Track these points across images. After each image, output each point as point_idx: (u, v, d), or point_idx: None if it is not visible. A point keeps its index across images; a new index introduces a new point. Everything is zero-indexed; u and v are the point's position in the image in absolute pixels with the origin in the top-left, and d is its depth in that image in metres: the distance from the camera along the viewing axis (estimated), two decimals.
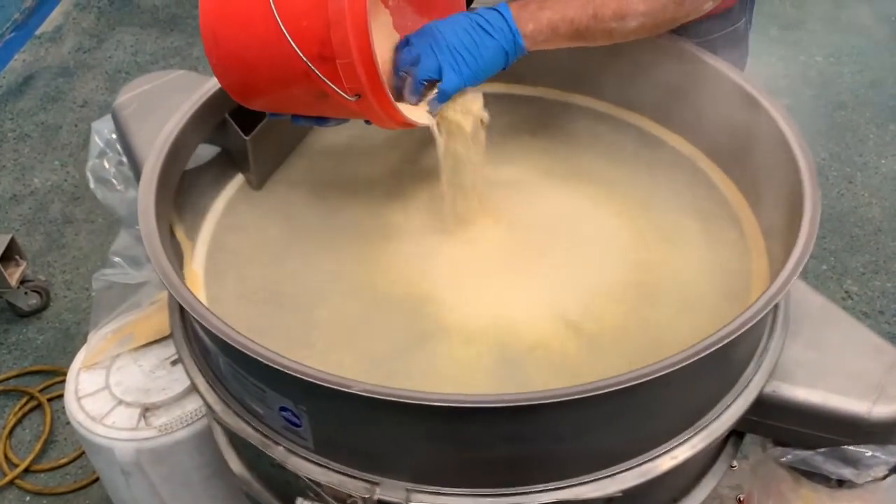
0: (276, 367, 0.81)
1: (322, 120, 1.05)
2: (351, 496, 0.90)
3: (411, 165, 1.26)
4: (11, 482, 1.94)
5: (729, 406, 0.94)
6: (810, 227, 0.93)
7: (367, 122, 1.01)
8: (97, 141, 1.47)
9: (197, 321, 0.90)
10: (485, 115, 1.07)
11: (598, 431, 0.86)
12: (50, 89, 3.10)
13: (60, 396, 2.04)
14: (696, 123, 1.22)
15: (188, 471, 1.40)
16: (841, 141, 2.76)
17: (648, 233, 1.15)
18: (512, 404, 0.79)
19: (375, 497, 0.88)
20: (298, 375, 0.80)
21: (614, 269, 1.10)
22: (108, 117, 1.41)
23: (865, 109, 2.88)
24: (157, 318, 1.43)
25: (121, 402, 1.37)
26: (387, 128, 1.00)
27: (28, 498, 1.94)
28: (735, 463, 1.10)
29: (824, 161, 2.67)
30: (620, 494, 0.89)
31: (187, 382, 1.34)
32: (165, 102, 1.28)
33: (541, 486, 0.88)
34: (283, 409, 0.89)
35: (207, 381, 1.01)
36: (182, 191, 1.17)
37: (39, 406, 2.08)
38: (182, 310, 1.06)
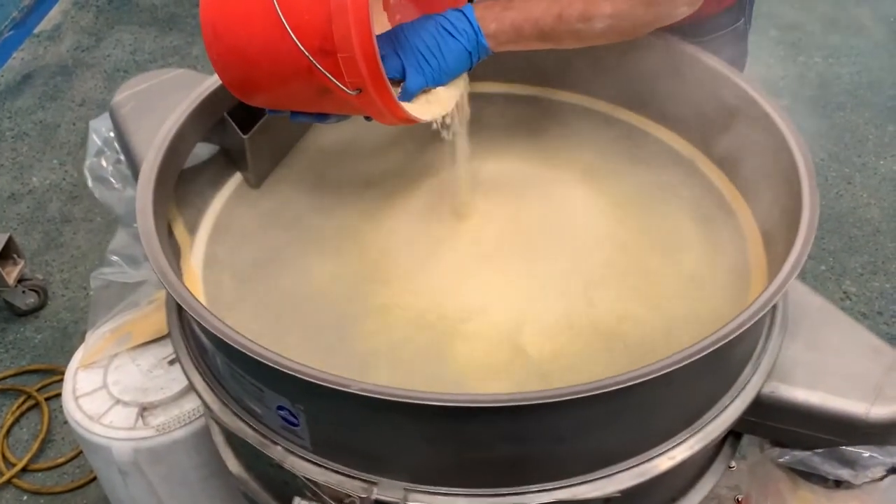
0: (274, 366, 0.81)
1: (322, 116, 1.05)
2: (349, 496, 0.90)
3: (410, 165, 1.26)
4: (9, 481, 1.94)
5: (727, 407, 0.94)
6: (808, 228, 0.93)
7: (368, 118, 1.01)
8: (95, 139, 1.47)
9: (195, 320, 0.89)
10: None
11: (596, 431, 0.86)
12: (48, 88, 3.10)
13: (58, 395, 2.03)
14: (694, 123, 1.22)
15: (186, 470, 1.40)
16: (840, 141, 2.76)
17: (647, 232, 1.15)
18: (510, 404, 0.79)
19: (373, 497, 0.88)
20: (296, 374, 0.80)
21: (612, 269, 1.10)
22: (106, 115, 1.41)
23: (864, 110, 2.88)
24: (154, 318, 1.43)
25: (118, 401, 1.37)
26: (387, 123, 1.00)
27: (25, 497, 1.94)
28: (733, 463, 1.10)
29: (823, 162, 2.67)
30: (619, 495, 0.89)
31: (185, 382, 1.34)
32: (163, 101, 1.28)
33: (539, 486, 0.88)
34: (280, 408, 0.89)
35: (205, 381, 1.01)
36: (180, 189, 1.17)
37: (37, 405, 2.08)
38: (180, 309, 1.06)
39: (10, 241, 2.19)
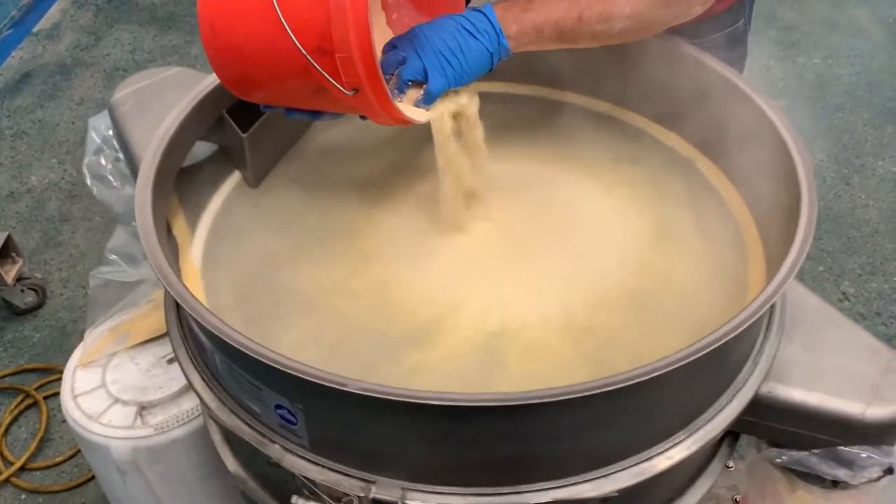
0: (272, 364, 0.81)
1: (317, 114, 1.05)
2: (346, 494, 0.90)
3: (409, 164, 1.26)
4: (7, 480, 1.94)
5: (724, 407, 0.95)
6: (807, 229, 0.93)
7: (363, 117, 1.02)
8: (94, 137, 1.47)
9: (193, 318, 0.89)
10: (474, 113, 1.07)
11: (594, 431, 0.86)
12: (47, 87, 3.10)
13: (56, 394, 2.03)
14: (693, 124, 1.23)
15: (184, 469, 1.40)
16: (838, 142, 2.76)
17: (646, 233, 1.15)
18: (508, 403, 0.79)
19: (371, 495, 0.88)
20: (294, 373, 0.80)
21: (611, 270, 1.10)
22: (106, 114, 1.41)
23: (863, 111, 2.89)
24: (153, 317, 1.43)
25: (117, 400, 1.37)
26: (382, 123, 1.00)
27: (24, 496, 1.94)
28: (731, 463, 1.10)
29: (822, 162, 2.67)
30: (616, 494, 0.89)
31: (183, 381, 1.34)
32: (162, 99, 1.28)
33: (536, 486, 0.88)
34: (278, 406, 0.89)
35: (203, 379, 1.01)
36: (179, 188, 1.17)
37: (35, 404, 2.08)
38: (178, 307, 1.06)
39: (8, 240, 2.19)
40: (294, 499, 0.94)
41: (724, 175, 1.20)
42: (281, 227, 1.18)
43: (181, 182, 1.17)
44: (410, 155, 1.27)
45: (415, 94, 1.01)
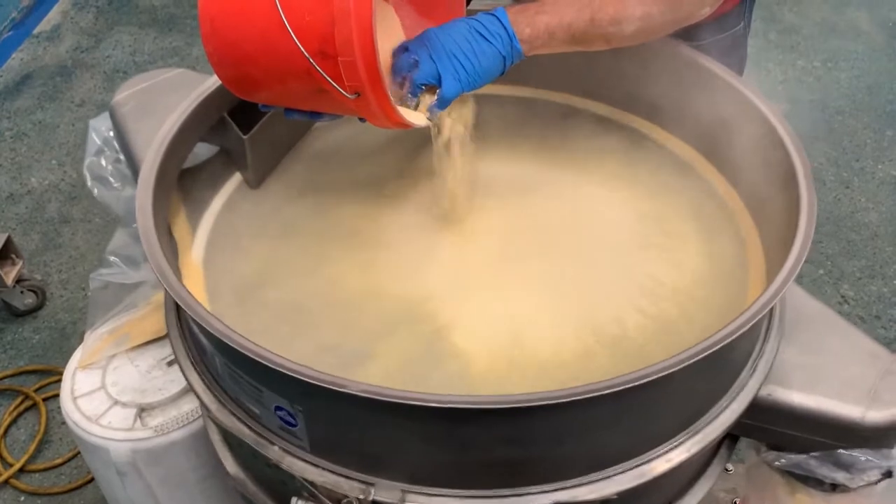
0: (273, 366, 0.81)
1: (316, 115, 1.05)
2: (346, 496, 0.90)
3: (408, 166, 1.26)
4: (6, 482, 1.94)
5: (724, 409, 0.95)
6: (806, 232, 0.93)
7: (362, 119, 1.02)
8: (94, 139, 1.47)
9: (193, 320, 0.90)
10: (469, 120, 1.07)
11: (593, 434, 0.86)
12: (48, 88, 3.10)
13: (56, 396, 2.04)
14: (693, 127, 1.23)
15: (184, 471, 1.40)
16: (838, 146, 2.77)
17: (646, 236, 1.15)
18: (507, 406, 0.79)
19: (370, 497, 0.88)
20: (295, 375, 0.80)
21: (611, 273, 1.10)
22: (106, 115, 1.41)
23: (863, 114, 2.89)
24: (153, 319, 1.43)
25: (117, 402, 1.37)
26: (382, 126, 1.00)
27: (23, 498, 1.94)
28: (731, 466, 1.10)
29: (821, 166, 2.68)
30: (615, 497, 0.89)
31: (183, 383, 1.34)
32: (163, 100, 1.28)
33: (536, 488, 0.88)
34: (278, 408, 0.89)
35: (203, 381, 1.01)
36: (179, 189, 1.17)
37: (35, 406, 2.07)
38: (178, 308, 1.06)
39: (8, 242, 2.19)
40: (294, 500, 0.94)
41: (724, 178, 1.21)
42: (281, 228, 1.18)
43: (182, 183, 1.17)
44: (411, 156, 1.27)
45: (429, 99, 1.00)
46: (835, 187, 2.63)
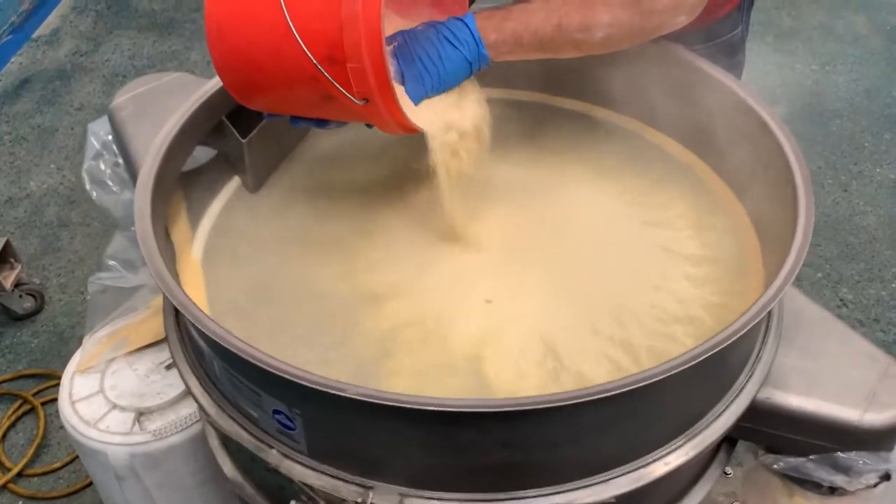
0: (271, 370, 0.81)
1: (322, 122, 1.05)
2: (344, 500, 0.90)
3: (408, 170, 1.26)
4: (4, 486, 1.94)
5: (722, 413, 0.95)
6: (804, 235, 0.94)
7: (369, 125, 1.01)
8: (93, 142, 1.47)
9: (192, 324, 0.90)
10: (485, 124, 1.08)
11: (591, 437, 0.86)
12: (46, 92, 3.10)
13: (54, 400, 2.03)
14: (692, 130, 1.23)
15: (182, 476, 1.40)
16: (836, 149, 2.77)
17: (645, 239, 1.15)
18: (505, 409, 0.80)
19: (369, 501, 0.88)
20: (293, 379, 0.80)
21: (611, 277, 1.10)
22: (105, 119, 1.41)
23: (861, 118, 2.90)
24: (151, 322, 1.43)
25: (115, 406, 1.37)
26: (390, 132, 1.00)
27: (21, 502, 1.93)
28: (729, 470, 1.10)
29: (820, 169, 2.68)
30: (613, 500, 0.89)
31: (181, 387, 1.34)
32: (162, 104, 1.28)
33: (534, 492, 0.88)
34: (277, 412, 0.89)
35: (201, 384, 1.01)
36: (178, 193, 1.17)
37: (33, 410, 2.07)
38: (177, 312, 1.06)
39: (7, 245, 2.19)
40: None
41: (722, 181, 1.21)
42: (280, 232, 1.18)
43: (180, 187, 1.17)
44: (410, 161, 1.27)
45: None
46: (833, 190, 2.63)
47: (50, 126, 2.95)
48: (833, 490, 1.01)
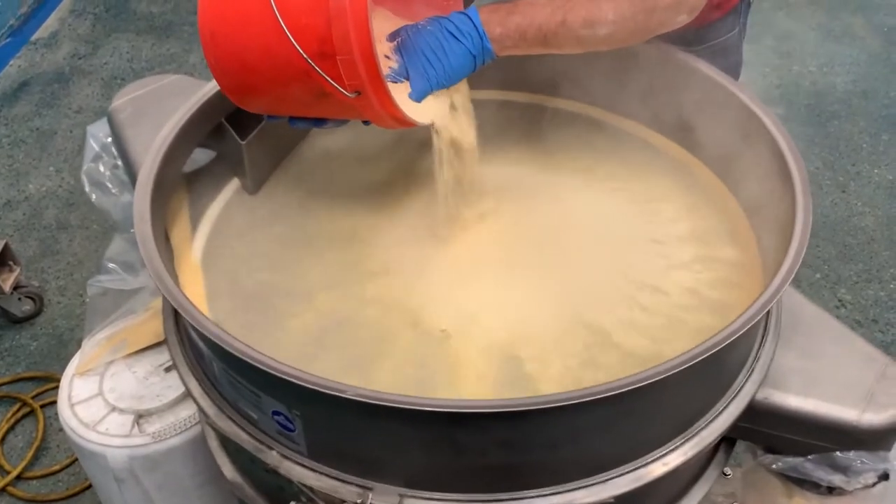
0: (271, 371, 0.81)
1: (320, 121, 1.06)
2: (344, 501, 0.90)
3: (407, 171, 1.26)
4: (3, 489, 1.94)
5: (720, 413, 0.95)
6: (802, 236, 0.94)
7: (366, 122, 1.02)
8: (93, 145, 1.47)
9: (192, 325, 0.90)
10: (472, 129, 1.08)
11: (590, 437, 0.87)
12: (45, 95, 3.10)
13: (53, 403, 2.03)
14: (689, 131, 1.23)
15: (181, 478, 1.40)
16: (834, 150, 2.78)
17: (645, 240, 1.15)
18: (504, 410, 0.80)
19: (368, 502, 0.88)
20: (292, 380, 0.80)
21: (608, 278, 1.10)
22: (104, 121, 1.42)
23: (859, 119, 2.90)
24: (150, 325, 1.43)
25: (114, 408, 1.37)
26: (386, 126, 1.00)
27: None
28: (728, 470, 1.10)
29: (817, 170, 2.68)
30: (612, 500, 0.89)
31: (181, 389, 1.34)
32: (161, 106, 1.28)
33: (533, 492, 0.88)
34: (276, 413, 0.89)
35: (201, 386, 1.01)
36: (177, 195, 1.17)
37: (32, 412, 2.07)
38: (176, 314, 1.06)
39: (5, 248, 2.19)
40: None
41: (721, 182, 1.21)
42: (279, 233, 1.18)
43: (180, 189, 1.17)
44: (408, 161, 1.27)
45: (406, 87, 1.01)
46: (831, 191, 2.63)
47: (48, 129, 2.95)
48: (831, 490, 1.02)
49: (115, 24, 3.47)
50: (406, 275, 1.11)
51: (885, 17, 3.38)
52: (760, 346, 1.00)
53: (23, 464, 1.96)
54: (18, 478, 1.95)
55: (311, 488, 0.92)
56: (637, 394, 0.79)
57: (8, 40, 3.33)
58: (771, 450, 1.04)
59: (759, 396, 0.98)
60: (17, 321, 2.28)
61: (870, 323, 2.25)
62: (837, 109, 2.94)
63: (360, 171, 1.28)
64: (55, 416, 2.02)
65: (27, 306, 2.27)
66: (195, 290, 1.09)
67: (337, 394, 0.79)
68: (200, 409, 1.01)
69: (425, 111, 1.01)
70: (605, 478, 0.89)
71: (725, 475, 1.10)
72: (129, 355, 1.43)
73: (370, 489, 0.89)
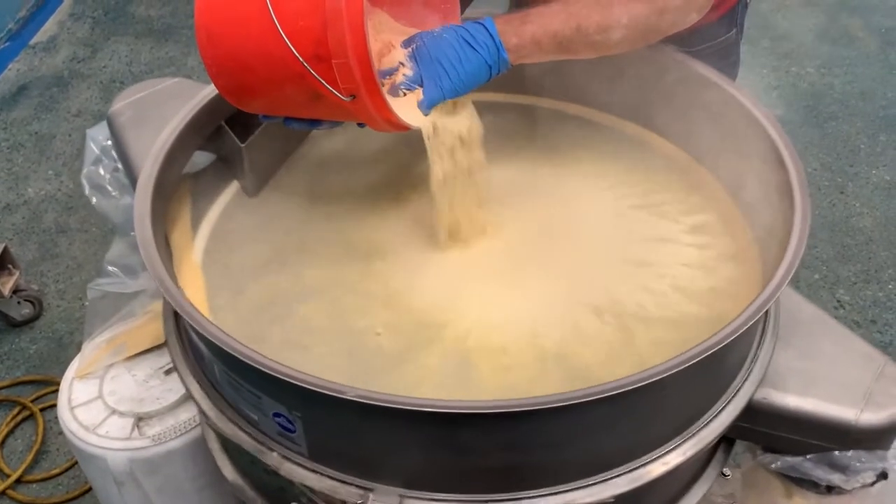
0: (272, 373, 0.81)
1: (315, 122, 1.06)
2: (344, 502, 0.90)
3: (406, 174, 1.27)
4: (3, 493, 1.93)
5: (719, 413, 0.95)
6: (800, 237, 0.94)
7: (361, 124, 1.02)
8: (93, 148, 1.47)
9: (192, 327, 0.90)
10: (478, 130, 1.08)
11: (589, 438, 0.87)
12: (44, 99, 3.11)
13: (53, 406, 2.03)
14: (688, 132, 1.23)
15: (181, 481, 1.40)
16: (832, 151, 2.78)
17: (643, 240, 1.15)
18: (504, 410, 0.80)
19: (369, 503, 0.89)
20: (293, 381, 0.80)
21: (608, 279, 1.10)
22: (104, 124, 1.42)
23: (856, 120, 2.90)
24: (150, 328, 1.43)
25: (114, 411, 1.37)
26: (380, 130, 1.00)
27: None
28: (727, 471, 1.10)
29: (816, 171, 2.69)
30: (612, 500, 0.89)
31: (181, 392, 1.34)
32: (161, 109, 1.29)
33: (533, 492, 0.88)
34: (277, 415, 0.89)
35: (201, 388, 1.01)
36: (178, 197, 1.18)
37: (32, 416, 2.07)
38: (177, 316, 1.06)
39: (5, 252, 2.19)
40: None
41: (719, 183, 1.21)
42: (279, 236, 1.18)
43: (180, 192, 1.17)
44: (407, 164, 1.28)
45: (415, 97, 1.01)
46: (829, 192, 2.64)
47: (48, 132, 2.95)
48: (830, 489, 1.02)
49: (113, 28, 3.48)
50: (406, 276, 1.11)
51: (882, 19, 3.39)
52: (759, 346, 1.00)
53: (22, 467, 1.96)
54: (18, 481, 1.95)
55: (311, 489, 0.92)
56: (637, 394, 0.79)
57: (6, 44, 3.34)
58: (770, 449, 1.05)
59: (758, 396, 0.98)
60: (17, 325, 2.28)
61: (868, 323, 2.26)
62: (835, 110, 2.94)
63: (361, 174, 1.28)
64: (55, 420, 2.02)
65: (27, 310, 2.27)
66: (196, 292, 1.10)
67: (337, 395, 0.79)
68: (201, 411, 1.01)
69: (419, 115, 1.01)
70: (605, 478, 0.89)
71: (725, 475, 1.10)
72: (129, 358, 1.43)
73: (371, 490, 0.89)
